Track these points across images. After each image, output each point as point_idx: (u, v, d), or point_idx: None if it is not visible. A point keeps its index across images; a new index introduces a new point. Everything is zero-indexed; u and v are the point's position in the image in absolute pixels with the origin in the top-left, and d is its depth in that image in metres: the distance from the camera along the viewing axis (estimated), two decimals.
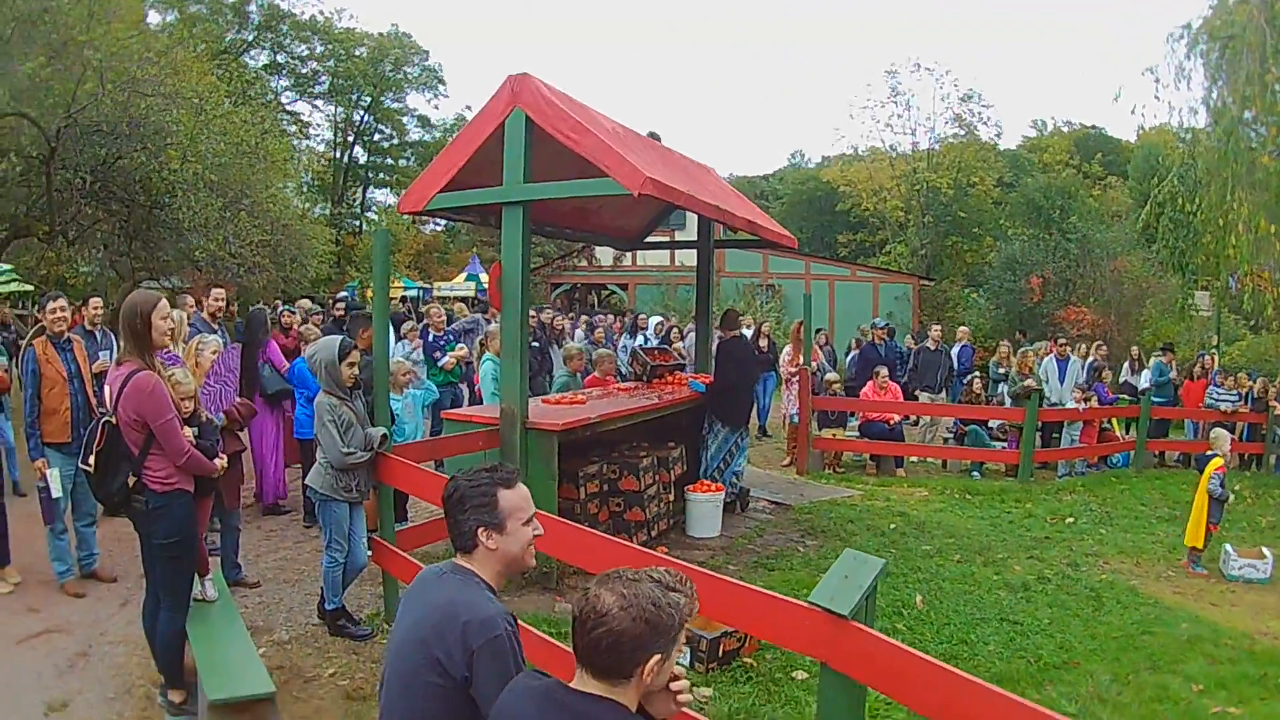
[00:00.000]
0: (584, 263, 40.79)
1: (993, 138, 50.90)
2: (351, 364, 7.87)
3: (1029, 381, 17.82)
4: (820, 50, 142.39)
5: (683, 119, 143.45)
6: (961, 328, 24.29)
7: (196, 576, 7.22)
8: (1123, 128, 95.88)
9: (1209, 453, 12.48)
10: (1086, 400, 18.07)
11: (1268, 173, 17.34)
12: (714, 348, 13.59)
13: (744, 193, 53.90)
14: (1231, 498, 12.12)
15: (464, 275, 41.88)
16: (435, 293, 39.40)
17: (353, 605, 8.40)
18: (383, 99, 56.44)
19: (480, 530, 3.56)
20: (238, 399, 9.35)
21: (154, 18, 39.80)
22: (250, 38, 52.03)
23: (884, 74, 59.11)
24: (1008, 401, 18.19)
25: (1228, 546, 11.83)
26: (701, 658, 7.34)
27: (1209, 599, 10.62)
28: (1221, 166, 17.75)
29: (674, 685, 2.99)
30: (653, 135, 12.62)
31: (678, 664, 2.89)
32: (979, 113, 48.47)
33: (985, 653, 8.08)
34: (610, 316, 27.23)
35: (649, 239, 15.96)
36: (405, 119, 58.91)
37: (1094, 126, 68.97)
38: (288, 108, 53.52)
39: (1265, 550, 11.88)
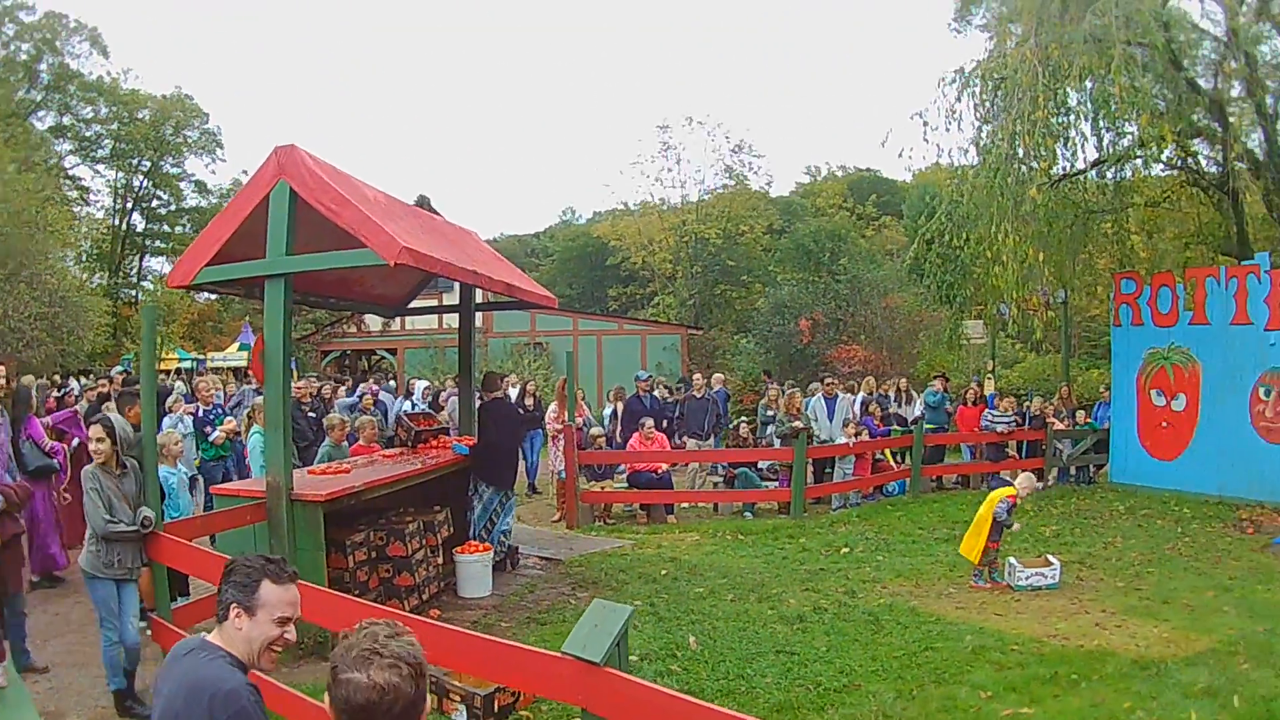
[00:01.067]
0: (353, 329, 40.34)
1: (763, 186, 51.97)
2: (98, 439, 7.81)
3: (797, 422, 18.20)
4: (594, 107, 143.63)
5: (459, 180, 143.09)
6: (716, 375, 24.60)
7: None
8: (898, 169, 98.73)
9: (1000, 483, 12.82)
10: (857, 434, 18.51)
11: (1036, 204, 17.76)
12: (476, 410, 13.67)
13: (515, 251, 54.08)
14: (1016, 527, 12.46)
15: (237, 344, 41.14)
16: (209, 363, 38.78)
17: (142, 685, 8.16)
18: (162, 163, 55.41)
19: (233, 606, 3.61)
20: (13, 480, 9.16)
21: None
22: (39, 98, 50.86)
23: (656, 129, 59.59)
24: (776, 442, 18.51)
25: (1012, 559, 12.20)
26: (478, 714, 7.33)
27: (993, 610, 10.92)
28: (989, 202, 18.15)
29: None
30: (422, 199, 12.75)
31: None
32: (750, 163, 49.46)
33: (763, 685, 8.16)
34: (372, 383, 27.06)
35: (415, 304, 15.98)
36: (183, 184, 57.75)
37: (869, 169, 70.43)
38: (70, 172, 52.63)
39: (1051, 558, 12.33)
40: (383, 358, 41.75)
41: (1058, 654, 9.10)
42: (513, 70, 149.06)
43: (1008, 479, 12.97)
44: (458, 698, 7.39)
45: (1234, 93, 20.50)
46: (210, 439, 14.20)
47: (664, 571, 12.65)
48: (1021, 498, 12.48)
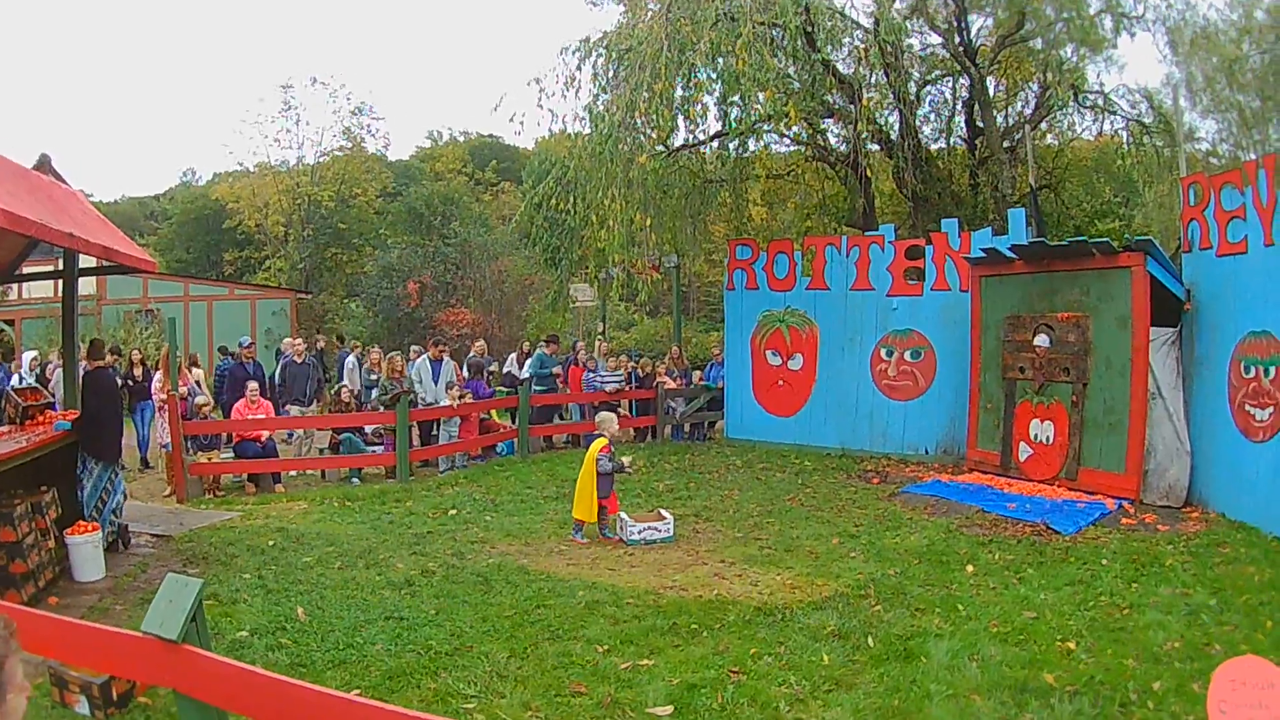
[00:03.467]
0: None
1: (380, 149, 51.29)
2: None
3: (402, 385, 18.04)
4: (218, 64, 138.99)
5: (84, 140, 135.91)
6: (291, 338, 24.02)
7: None
8: (521, 136, 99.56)
9: (596, 433, 12.89)
10: (462, 397, 18.36)
11: (644, 171, 18.00)
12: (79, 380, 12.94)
13: (135, 214, 52.04)
14: (626, 463, 12.70)
15: None
16: None
17: None
18: None
19: None
20: None
21: None
22: None
23: (280, 88, 58.06)
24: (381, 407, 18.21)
25: (623, 514, 12.30)
26: (99, 705, 6.82)
27: (606, 565, 10.94)
28: (598, 168, 18.37)
29: None
30: (44, 159, 12.03)
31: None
32: (369, 125, 48.52)
33: (374, 653, 7.87)
34: None
35: (28, 270, 15.05)
36: None
37: (491, 135, 70.92)
38: None
39: (664, 512, 12.51)
40: (1, 329, 39.51)
41: (676, 605, 9.15)
42: (141, 25, 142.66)
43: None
44: (77, 688, 6.90)
45: (875, 78, 21.40)
46: None
47: (272, 542, 12.19)
48: (610, 436, 12.74)
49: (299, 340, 21.34)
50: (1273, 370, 12.33)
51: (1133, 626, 8.47)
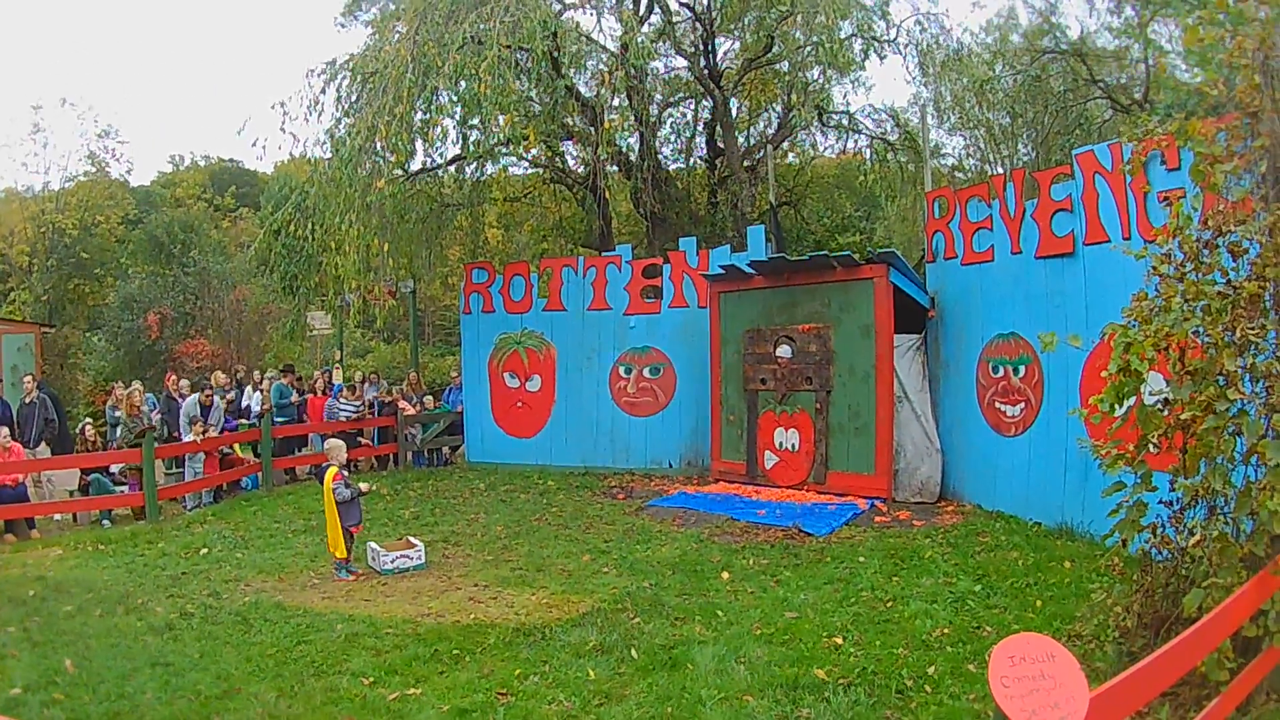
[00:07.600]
0: None
1: (123, 174, 49.66)
2: None
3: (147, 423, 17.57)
4: None
5: None
6: (27, 377, 23.25)
7: None
8: (260, 161, 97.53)
9: (325, 464, 12.83)
10: (205, 431, 17.93)
11: (382, 195, 17.82)
12: None
13: None
14: (365, 488, 12.50)
15: None
16: None
17: None
18: None
19: None
20: None
21: None
22: None
23: (30, 109, 55.84)
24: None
25: (372, 544, 12.30)
26: None
27: (361, 596, 10.88)
28: (337, 193, 18.15)
29: None
30: None
31: None
32: (113, 149, 46.79)
33: (146, 702, 7.65)
34: None
35: None
36: None
37: (231, 160, 69.14)
38: None
39: (413, 539, 12.48)
40: None
41: (435, 632, 9.20)
42: None
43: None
44: None
45: (617, 101, 21.69)
46: None
47: (32, 592, 11.72)
48: (340, 462, 12.62)
49: (29, 378, 20.51)
50: (1022, 369, 13.17)
51: (899, 617, 8.91)
